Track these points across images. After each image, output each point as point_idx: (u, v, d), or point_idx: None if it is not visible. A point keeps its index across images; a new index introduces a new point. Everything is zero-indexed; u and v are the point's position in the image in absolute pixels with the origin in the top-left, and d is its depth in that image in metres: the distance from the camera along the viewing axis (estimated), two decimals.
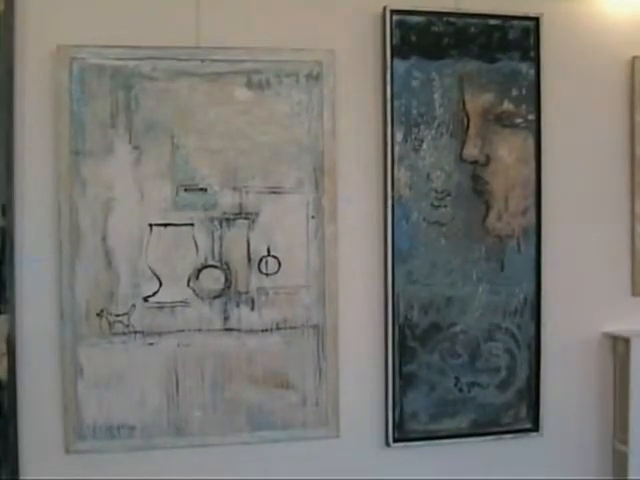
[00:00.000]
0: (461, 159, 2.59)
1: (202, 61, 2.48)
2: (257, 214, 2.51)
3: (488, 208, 2.60)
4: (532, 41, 2.61)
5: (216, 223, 2.49)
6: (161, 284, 2.47)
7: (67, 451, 2.46)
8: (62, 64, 2.42)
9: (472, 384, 2.61)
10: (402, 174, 2.56)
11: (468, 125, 2.58)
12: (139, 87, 2.46)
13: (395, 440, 2.58)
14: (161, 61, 2.46)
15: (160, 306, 2.47)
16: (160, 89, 2.47)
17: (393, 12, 2.55)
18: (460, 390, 2.61)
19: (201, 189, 2.48)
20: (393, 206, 2.55)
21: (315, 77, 2.53)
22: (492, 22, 2.59)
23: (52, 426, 2.46)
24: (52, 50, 2.41)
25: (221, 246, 2.49)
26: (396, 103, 2.55)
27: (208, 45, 2.49)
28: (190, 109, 2.48)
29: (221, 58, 2.49)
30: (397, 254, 2.56)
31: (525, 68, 2.61)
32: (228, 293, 2.51)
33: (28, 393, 2.44)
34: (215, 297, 2.50)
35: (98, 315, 2.44)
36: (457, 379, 2.61)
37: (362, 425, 2.61)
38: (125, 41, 2.45)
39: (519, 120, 2.61)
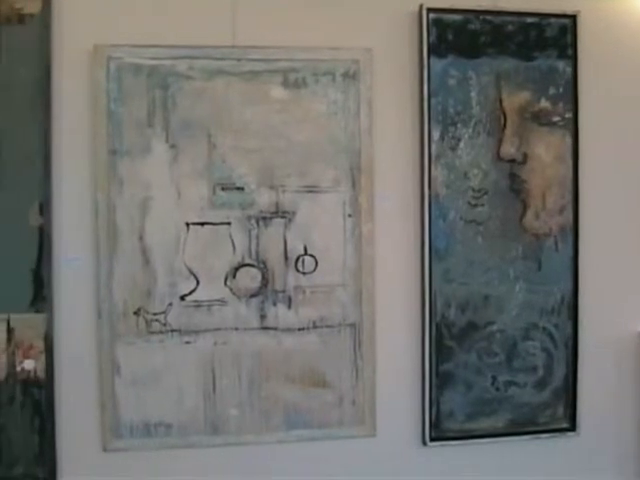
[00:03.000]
0: (498, 157, 2.15)
1: (238, 60, 2.07)
2: (294, 213, 2.10)
3: (525, 207, 2.16)
4: (569, 39, 2.17)
5: (253, 222, 2.08)
6: (198, 283, 2.07)
7: (104, 449, 2.07)
8: (99, 63, 2.02)
9: (509, 383, 2.18)
10: (439, 172, 2.13)
11: (505, 123, 2.15)
12: (176, 86, 2.05)
13: (432, 439, 2.16)
14: (197, 60, 2.06)
15: (197, 305, 2.07)
16: (196, 88, 2.06)
17: (430, 10, 2.11)
18: (497, 389, 2.18)
19: (238, 188, 2.08)
20: (430, 204, 2.12)
21: (352, 76, 2.10)
22: (529, 20, 2.15)
23: (89, 424, 2.07)
24: (89, 49, 2.02)
25: (258, 245, 2.09)
26: (433, 101, 2.12)
27: (244, 44, 2.07)
28: (226, 108, 2.07)
29: (257, 57, 2.07)
30: (434, 253, 2.13)
31: (562, 66, 2.17)
32: (265, 292, 2.10)
33: (66, 391, 2.06)
34: (252, 296, 2.09)
35: (135, 314, 2.05)
36: (494, 378, 2.18)
37: (398, 424, 2.18)
38: (162, 40, 2.04)
39: (556, 118, 2.17)
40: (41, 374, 2.05)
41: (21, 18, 2.04)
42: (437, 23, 2.15)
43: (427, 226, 2.15)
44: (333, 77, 2.12)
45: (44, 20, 2.04)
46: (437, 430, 2.18)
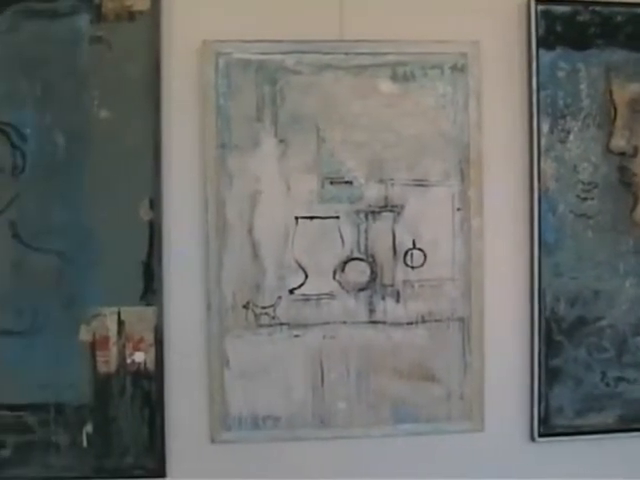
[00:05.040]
0: (608, 150, 1.94)
1: (346, 54, 1.88)
2: (402, 207, 1.91)
3: (636, 200, 1.95)
4: None
5: (362, 216, 1.90)
6: (307, 276, 1.89)
7: (213, 441, 1.90)
8: (208, 59, 1.85)
9: (619, 379, 1.97)
10: (548, 166, 1.92)
11: (615, 116, 1.93)
12: (284, 81, 1.88)
13: (540, 435, 1.95)
14: (305, 55, 1.88)
15: (306, 298, 1.90)
16: (305, 83, 1.88)
17: (538, 2, 1.91)
18: (607, 385, 1.97)
19: (347, 182, 1.90)
20: (539, 198, 1.92)
21: (460, 69, 1.91)
22: (639, 10, 1.95)
23: (198, 416, 1.91)
24: (198, 45, 1.85)
25: (366, 239, 1.91)
26: (542, 94, 1.91)
27: (352, 38, 1.89)
28: (335, 102, 1.89)
29: (365, 51, 1.88)
30: (543, 247, 1.93)
31: None
32: (373, 286, 1.91)
33: (175, 383, 1.90)
34: (360, 290, 1.91)
35: (244, 307, 1.89)
36: (603, 374, 1.97)
37: (507, 419, 1.98)
38: (269, 35, 1.87)
39: None
40: (151, 366, 1.89)
41: (131, 15, 1.89)
42: (545, 15, 1.94)
43: (536, 220, 1.94)
44: (441, 70, 1.94)
45: (153, 17, 1.89)
46: (546, 426, 1.97)
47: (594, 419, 2.00)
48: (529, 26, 1.95)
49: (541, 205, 1.95)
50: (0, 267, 1.87)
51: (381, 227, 1.93)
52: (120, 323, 1.89)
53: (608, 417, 2.00)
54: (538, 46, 1.94)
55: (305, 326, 1.92)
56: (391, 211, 1.92)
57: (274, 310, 1.91)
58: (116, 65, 1.88)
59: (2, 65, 1.86)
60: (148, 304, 1.89)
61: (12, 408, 1.88)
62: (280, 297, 1.91)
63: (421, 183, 1.92)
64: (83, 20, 1.88)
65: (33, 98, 1.86)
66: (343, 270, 1.92)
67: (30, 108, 1.86)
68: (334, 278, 1.92)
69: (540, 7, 1.94)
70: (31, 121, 1.86)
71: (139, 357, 1.90)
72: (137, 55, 1.89)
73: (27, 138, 1.86)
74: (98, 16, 1.89)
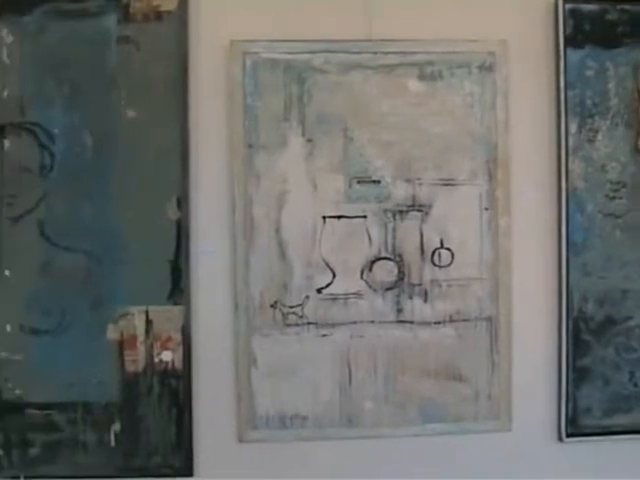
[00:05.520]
0: (636, 150, 1.90)
1: (374, 53, 1.86)
2: (430, 206, 1.88)
3: None
4: None
5: (389, 215, 1.88)
6: (334, 276, 1.87)
7: (240, 440, 1.88)
8: (235, 59, 1.83)
9: None
10: (576, 165, 1.89)
11: None
12: (312, 80, 1.85)
13: (568, 435, 1.92)
14: (333, 54, 1.85)
15: (333, 298, 1.87)
16: (332, 82, 1.86)
17: (566, 1, 1.88)
18: (635, 385, 1.93)
19: (374, 181, 1.87)
20: (567, 198, 1.89)
21: (488, 68, 1.88)
22: None
23: (226, 415, 1.88)
24: (225, 45, 1.83)
25: (394, 238, 1.88)
26: (570, 93, 1.88)
27: (380, 37, 1.87)
28: (363, 102, 1.86)
29: (393, 50, 1.85)
30: (571, 246, 1.89)
31: None
32: (401, 285, 1.88)
33: (203, 382, 1.88)
34: (388, 289, 1.88)
35: (272, 306, 1.86)
36: (632, 374, 1.92)
37: (534, 419, 1.95)
38: (297, 35, 1.85)
39: None
40: (178, 365, 1.87)
41: (158, 15, 1.88)
42: (573, 13, 1.91)
43: (564, 219, 1.91)
44: (469, 69, 1.91)
45: (181, 17, 1.87)
46: (573, 426, 1.94)
47: (622, 419, 1.96)
48: (557, 25, 1.92)
49: (569, 205, 1.91)
50: (28, 266, 1.85)
51: (409, 226, 1.90)
52: (148, 322, 1.88)
53: (636, 417, 1.96)
54: (566, 45, 1.91)
55: (333, 325, 1.90)
56: (419, 210, 1.90)
57: (302, 309, 1.89)
58: (144, 65, 1.87)
59: (31, 65, 1.85)
60: (176, 303, 1.87)
61: (40, 407, 1.87)
62: (308, 296, 1.89)
63: (449, 182, 1.90)
64: (111, 20, 1.87)
65: (61, 98, 1.85)
66: (371, 269, 1.89)
67: (58, 108, 1.85)
68: (362, 277, 1.89)
69: (568, 6, 1.91)
70: (59, 121, 1.84)
71: (167, 356, 1.88)
72: (165, 55, 1.87)
73: (55, 138, 1.85)
74: (126, 16, 1.87)
